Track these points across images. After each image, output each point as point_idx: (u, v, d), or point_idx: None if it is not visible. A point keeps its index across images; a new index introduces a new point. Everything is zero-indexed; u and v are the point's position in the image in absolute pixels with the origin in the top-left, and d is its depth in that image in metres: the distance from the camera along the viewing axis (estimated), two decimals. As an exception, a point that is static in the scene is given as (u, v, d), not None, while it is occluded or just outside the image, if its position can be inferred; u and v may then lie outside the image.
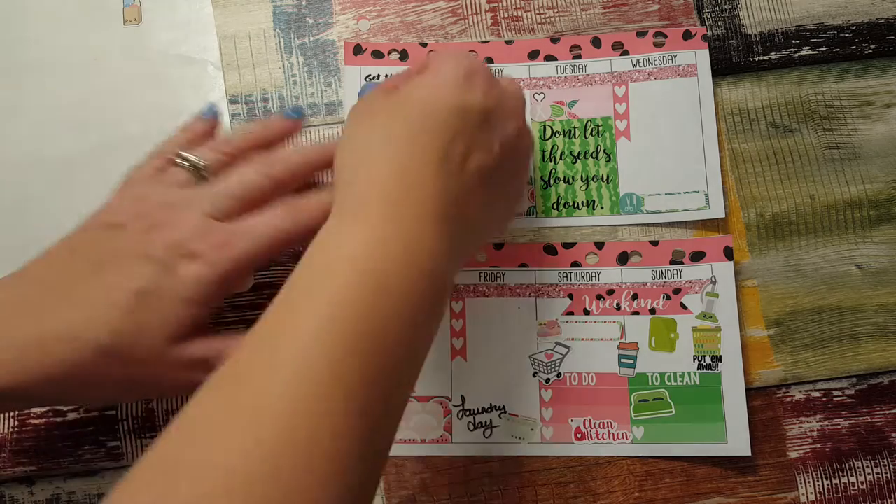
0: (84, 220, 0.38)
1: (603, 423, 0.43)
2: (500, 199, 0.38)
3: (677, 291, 0.44)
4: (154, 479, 0.24)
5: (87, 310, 0.34)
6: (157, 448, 0.25)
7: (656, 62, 0.46)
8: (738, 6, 0.48)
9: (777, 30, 0.48)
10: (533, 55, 0.47)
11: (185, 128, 0.42)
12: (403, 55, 0.47)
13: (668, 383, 0.43)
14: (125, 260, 0.35)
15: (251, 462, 0.24)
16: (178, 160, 0.39)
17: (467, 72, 0.36)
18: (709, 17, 0.48)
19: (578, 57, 0.47)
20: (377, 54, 0.47)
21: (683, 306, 0.44)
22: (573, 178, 0.46)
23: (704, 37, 0.47)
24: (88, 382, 0.34)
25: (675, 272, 0.44)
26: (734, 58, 0.47)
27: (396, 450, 0.43)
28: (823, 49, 0.47)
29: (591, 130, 0.46)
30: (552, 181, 0.46)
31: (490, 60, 0.47)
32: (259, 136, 0.41)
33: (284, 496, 0.24)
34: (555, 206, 0.45)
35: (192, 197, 0.37)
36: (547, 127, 0.46)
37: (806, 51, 0.47)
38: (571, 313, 0.44)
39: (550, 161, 0.46)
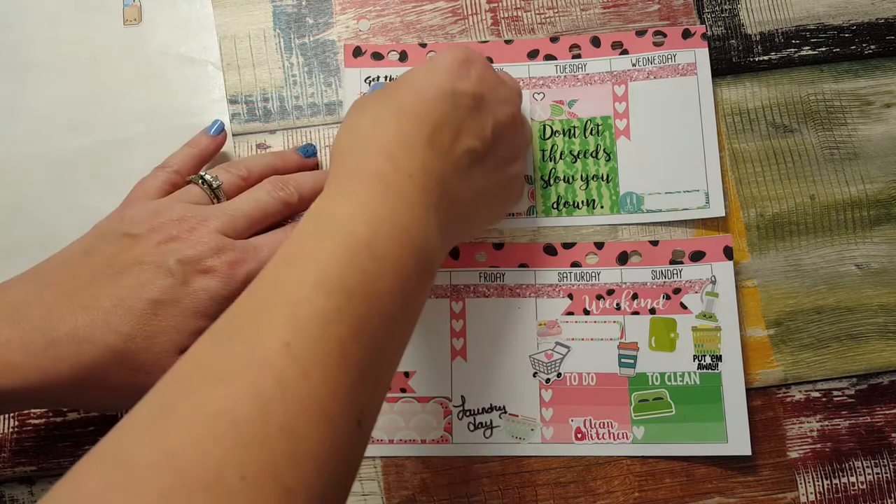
0: (96, 227, 0.39)
1: (603, 423, 0.43)
2: (495, 186, 0.39)
3: (677, 291, 0.44)
4: (147, 421, 0.25)
5: (100, 314, 0.35)
6: (154, 393, 0.26)
7: (656, 61, 0.46)
8: (738, 6, 0.48)
9: (777, 30, 0.48)
10: (532, 55, 0.47)
11: (192, 143, 0.44)
12: (403, 56, 0.47)
13: (669, 383, 0.43)
14: (141, 269, 0.36)
15: (240, 406, 0.24)
16: (194, 178, 0.41)
17: (461, 60, 0.37)
18: (709, 17, 0.48)
19: (578, 56, 0.47)
20: (377, 56, 0.47)
21: (683, 306, 0.44)
22: (573, 177, 0.46)
23: (704, 36, 0.47)
24: (94, 386, 0.35)
25: (674, 272, 0.44)
26: (734, 58, 0.47)
27: (396, 450, 0.43)
28: (823, 49, 0.47)
29: (591, 130, 0.46)
30: (552, 180, 0.46)
31: (490, 60, 0.47)
32: (272, 165, 0.43)
33: (272, 438, 0.24)
34: (555, 205, 0.45)
35: (207, 214, 0.39)
36: (546, 126, 0.46)
37: (806, 51, 0.47)
38: (571, 313, 0.44)
39: (550, 160, 0.46)
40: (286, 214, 0.41)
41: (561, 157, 0.46)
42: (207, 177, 0.41)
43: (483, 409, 0.43)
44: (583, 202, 0.45)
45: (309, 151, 0.46)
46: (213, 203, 0.40)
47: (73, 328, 0.34)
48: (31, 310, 0.34)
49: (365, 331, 0.28)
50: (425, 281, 0.32)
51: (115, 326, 0.34)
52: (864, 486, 0.42)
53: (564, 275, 0.44)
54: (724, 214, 0.45)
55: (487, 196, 0.38)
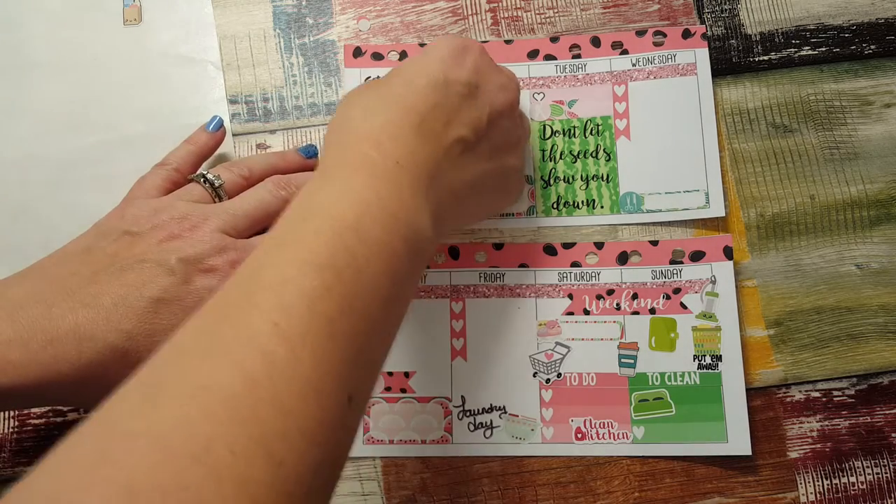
0: (97, 225, 0.39)
1: (603, 423, 0.43)
2: (492, 176, 0.38)
3: (677, 291, 0.44)
4: (136, 398, 0.25)
5: (101, 311, 0.35)
6: (144, 370, 0.26)
7: (656, 61, 0.46)
8: (738, 6, 0.48)
9: (777, 30, 0.48)
10: (532, 55, 0.47)
11: (190, 140, 0.44)
12: (403, 56, 0.47)
13: (669, 383, 0.43)
14: (142, 267, 0.36)
15: (230, 383, 0.24)
16: (195, 177, 0.41)
17: (456, 49, 0.37)
18: (709, 17, 0.48)
19: (578, 56, 0.47)
20: (377, 56, 0.47)
21: (683, 306, 0.44)
22: (573, 177, 0.46)
23: (704, 36, 0.47)
24: (95, 384, 0.35)
25: (674, 272, 0.44)
26: (734, 58, 0.47)
27: (396, 450, 0.43)
28: (823, 49, 0.47)
29: (591, 130, 0.46)
30: (552, 180, 0.46)
31: (490, 60, 0.47)
32: (274, 164, 0.43)
33: (262, 414, 0.24)
34: (555, 205, 0.45)
35: (208, 213, 0.39)
36: (546, 126, 0.46)
37: (806, 51, 0.47)
38: (571, 313, 0.44)
39: (550, 160, 0.46)
40: None
41: (561, 157, 0.46)
42: (209, 176, 0.41)
43: (483, 409, 0.43)
44: (583, 202, 0.45)
45: (310, 152, 0.45)
46: (215, 202, 0.40)
47: (73, 326, 0.34)
48: (32, 307, 0.34)
49: (355, 309, 0.28)
50: (417, 265, 0.32)
51: (116, 324, 0.34)
52: (864, 486, 0.42)
53: (564, 275, 0.44)
54: (724, 214, 0.45)
55: (483, 185, 0.38)
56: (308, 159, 0.45)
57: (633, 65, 0.47)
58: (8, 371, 0.33)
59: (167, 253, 0.36)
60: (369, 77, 0.47)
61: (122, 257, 0.36)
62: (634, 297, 0.44)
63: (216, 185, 0.41)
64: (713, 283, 0.44)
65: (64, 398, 0.38)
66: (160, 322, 0.35)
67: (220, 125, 0.45)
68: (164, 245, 0.37)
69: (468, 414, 0.43)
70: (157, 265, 0.36)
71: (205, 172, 0.41)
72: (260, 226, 0.40)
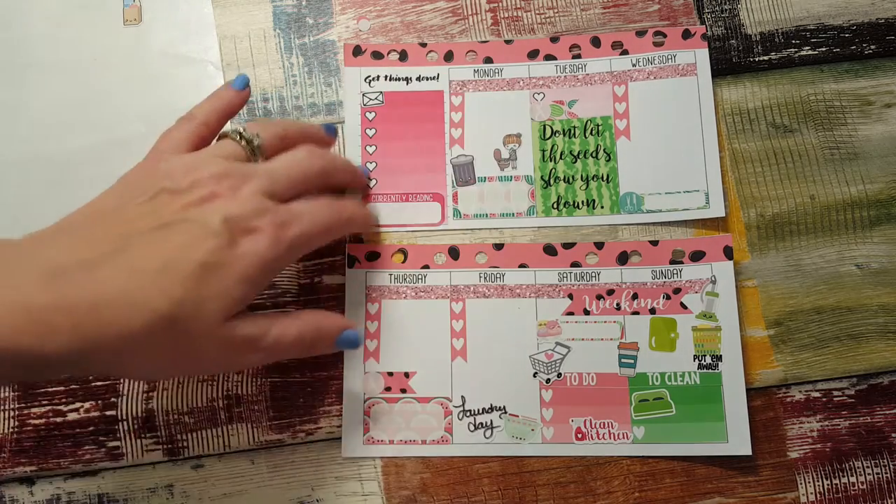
0: (125, 182, 0.37)
1: (603, 424, 0.43)
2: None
3: (677, 291, 0.44)
4: None
5: (148, 276, 0.32)
6: None
7: (656, 61, 0.46)
8: (738, 6, 0.48)
9: (777, 30, 0.48)
10: (532, 55, 0.47)
11: (216, 96, 0.40)
12: (403, 56, 0.47)
13: (669, 383, 0.43)
14: (185, 227, 0.34)
15: None
16: (231, 133, 0.38)
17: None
18: (709, 17, 0.48)
19: (578, 56, 0.47)
20: (377, 55, 0.47)
21: (683, 306, 0.44)
22: (573, 177, 0.46)
23: (704, 36, 0.47)
24: (139, 353, 0.33)
25: (675, 272, 0.44)
26: (734, 58, 0.47)
27: (397, 450, 0.43)
28: (823, 49, 0.47)
29: (591, 130, 0.46)
30: (552, 181, 0.46)
31: (490, 60, 0.47)
32: (304, 131, 0.41)
33: None
34: (555, 205, 0.45)
35: (248, 172, 0.36)
36: (547, 126, 0.46)
37: (806, 51, 0.47)
38: (571, 313, 0.44)
39: (550, 161, 0.46)
40: (321, 185, 0.39)
41: (561, 157, 0.46)
42: (246, 133, 0.38)
43: (483, 409, 0.43)
44: (583, 202, 0.45)
45: (332, 130, 0.44)
46: (250, 161, 0.38)
47: (120, 292, 0.32)
48: (73, 270, 0.32)
49: None
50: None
51: (165, 290, 0.32)
52: (864, 486, 0.42)
53: (564, 275, 0.44)
54: (724, 214, 0.45)
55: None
56: (332, 136, 0.44)
57: (633, 65, 0.47)
58: (50, 338, 0.30)
59: (209, 213, 0.34)
60: (369, 76, 0.47)
61: (160, 216, 0.34)
62: (634, 297, 0.44)
63: (255, 143, 0.38)
64: (713, 283, 0.44)
65: (107, 367, 0.35)
66: (207, 289, 0.33)
67: (246, 84, 0.41)
68: (205, 205, 0.34)
69: (468, 414, 0.43)
70: (200, 226, 0.34)
71: (241, 129, 0.38)
72: (297, 191, 0.38)
